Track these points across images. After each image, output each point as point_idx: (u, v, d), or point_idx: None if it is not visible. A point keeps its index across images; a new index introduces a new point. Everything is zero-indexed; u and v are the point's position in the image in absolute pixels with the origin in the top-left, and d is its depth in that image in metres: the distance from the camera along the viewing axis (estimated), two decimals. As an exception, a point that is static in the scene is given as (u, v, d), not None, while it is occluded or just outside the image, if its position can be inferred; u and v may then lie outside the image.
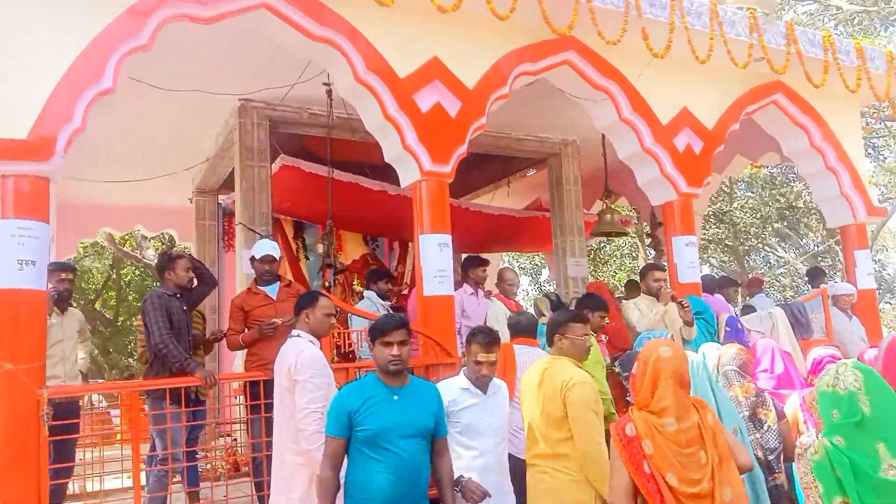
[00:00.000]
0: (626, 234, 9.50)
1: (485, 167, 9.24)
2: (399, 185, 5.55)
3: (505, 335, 4.38)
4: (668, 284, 5.84)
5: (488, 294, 6.38)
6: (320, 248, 6.63)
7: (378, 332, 3.11)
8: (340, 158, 7.28)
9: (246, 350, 5.03)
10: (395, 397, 3.06)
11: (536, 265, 23.62)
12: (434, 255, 5.06)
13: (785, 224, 19.90)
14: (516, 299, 6.42)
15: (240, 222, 6.79)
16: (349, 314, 6.05)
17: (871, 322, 7.27)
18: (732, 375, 3.64)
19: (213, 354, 6.83)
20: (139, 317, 4.98)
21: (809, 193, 19.07)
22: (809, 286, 8.34)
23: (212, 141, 7.85)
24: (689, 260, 6.30)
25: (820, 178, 7.58)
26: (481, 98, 5.39)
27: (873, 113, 10.12)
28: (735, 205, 19.49)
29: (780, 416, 3.56)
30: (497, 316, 5.63)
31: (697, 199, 6.64)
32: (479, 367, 3.42)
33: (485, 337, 3.44)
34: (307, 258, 9.37)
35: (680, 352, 2.67)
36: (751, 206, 19.16)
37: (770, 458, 3.42)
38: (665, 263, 6.44)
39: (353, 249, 9.19)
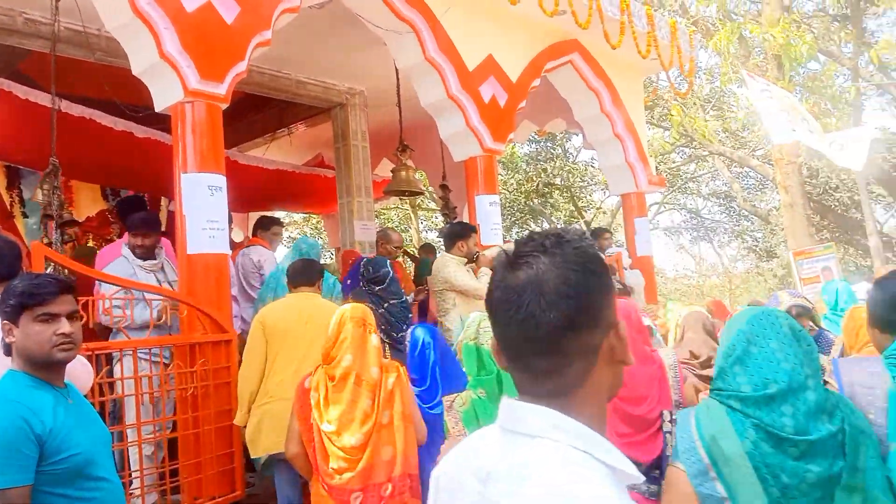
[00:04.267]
0: (421, 193, 8.89)
1: (260, 113, 8.01)
2: (159, 131, 4.24)
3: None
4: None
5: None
6: (40, 196, 4.99)
7: (29, 300, 1.98)
8: (84, 93, 5.65)
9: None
10: (70, 401, 2.03)
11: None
12: (203, 202, 3.87)
13: (540, 201, 20.99)
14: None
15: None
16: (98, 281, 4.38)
17: (649, 287, 7.45)
18: None
19: None
20: None
21: (567, 172, 20.49)
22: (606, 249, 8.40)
23: None
24: (493, 221, 5.82)
25: (607, 146, 7.58)
26: (267, 4, 4.28)
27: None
28: (499, 180, 20.10)
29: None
30: None
31: (501, 155, 6.17)
32: None
33: None
34: (26, 215, 7.44)
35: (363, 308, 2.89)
36: (516, 180, 19.82)
37: None
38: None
39: (87, 205, 7.46)
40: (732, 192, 19.30)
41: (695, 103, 15.33)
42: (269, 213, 7.70)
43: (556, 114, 8.19)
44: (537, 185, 19.80)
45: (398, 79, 6.62)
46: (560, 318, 0.93)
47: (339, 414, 2.65)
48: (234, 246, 5.61)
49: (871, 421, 1.77)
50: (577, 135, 8.48)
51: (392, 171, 7.14)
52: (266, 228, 5.91)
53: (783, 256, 16.78)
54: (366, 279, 5.02)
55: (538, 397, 0.96)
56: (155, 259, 4.39)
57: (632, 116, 7.53)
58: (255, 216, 7.39)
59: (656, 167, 17.09)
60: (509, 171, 19.80)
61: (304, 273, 3.99)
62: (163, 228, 5.14)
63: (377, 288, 4.98)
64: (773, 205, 18.30)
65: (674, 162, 20.21)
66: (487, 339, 2.26)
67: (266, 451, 3.53)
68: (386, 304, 4.91)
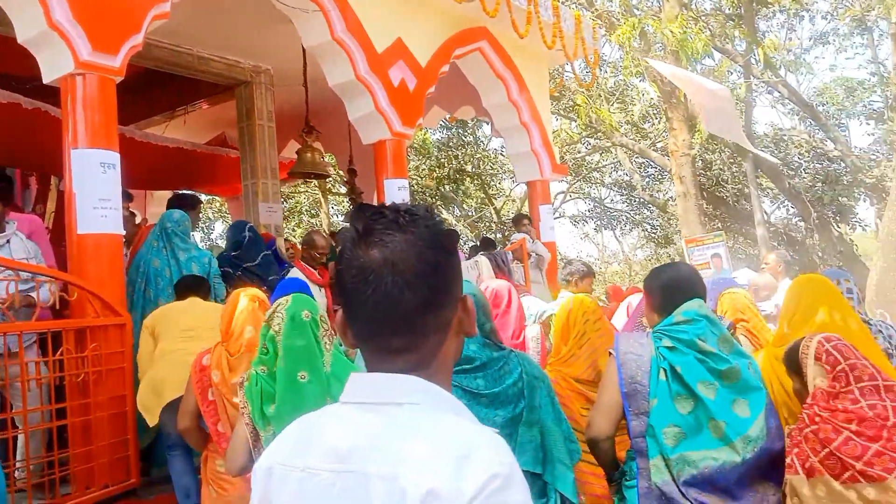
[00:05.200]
0: (328, 176, 8.76)
1: (159, 89, 7.67)
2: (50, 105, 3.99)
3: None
4: None
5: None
6: None
7: None
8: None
9: None
10: None
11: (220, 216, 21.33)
12: (95, 179, 3.69)
13: (451, 188, 21.14)
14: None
15: None
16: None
17: (551, 272, 7.67)
18: None
19: None
20: None
21: (478, 159, 20.71)
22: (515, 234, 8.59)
23: None
24: (401, 205, 5.81)
25: (514, 134, 7.73)
26: (166, -24, 4.11)
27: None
28: (411, 165, 20.10)
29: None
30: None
31: (410, 140, 6.19)
32: None
33: None
34: None
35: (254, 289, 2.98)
36: (428, 166, 19.87)
37: None
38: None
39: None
40: (633, 182, 20.07)
41: (600, 95, 15.84)
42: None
43: (465, 101, 8.26)
44: (449, 171, 19.92)
45: (305, 58, 6.51)
46: (419, 298, 0.93)
47: None
48: (140, 228, 5.32)
49: (638, 381, 2.17)
50: (487, 123, 8.60)
51: (297, 153, 7.02)
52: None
53: (679, 244, 17.68)
54: (228, 246, 5.34)
55: (395, 372, 0.96)
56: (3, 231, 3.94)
57: (538, 105, 7.71)
58: (162, 196, 7.09)
59: (562, 157, 17.60)
60: (421, 157, 19.82)
61: (192, 288, 4.04)
62: (33, 204, 4.83)
63: (233, 254, 5.25)
64: (671, 195, 19.19)
65: (579, 152, 20.79)
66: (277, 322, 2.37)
67: (168, 399, 3.47)
68: (241, 269, 5.08)
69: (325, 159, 8.89)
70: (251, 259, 5.40)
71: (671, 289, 2.35)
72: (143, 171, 6.72)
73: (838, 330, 2.40)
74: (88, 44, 3.68)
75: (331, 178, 15.45)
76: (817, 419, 2.00)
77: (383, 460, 0.88)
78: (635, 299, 4.55)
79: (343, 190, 17.90)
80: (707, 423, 2.11)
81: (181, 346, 3.56)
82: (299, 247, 6.23)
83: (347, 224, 5.37)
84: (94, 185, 3.68)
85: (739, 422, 2.11)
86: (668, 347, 2.21)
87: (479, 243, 8.47)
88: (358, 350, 1.05)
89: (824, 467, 1.92)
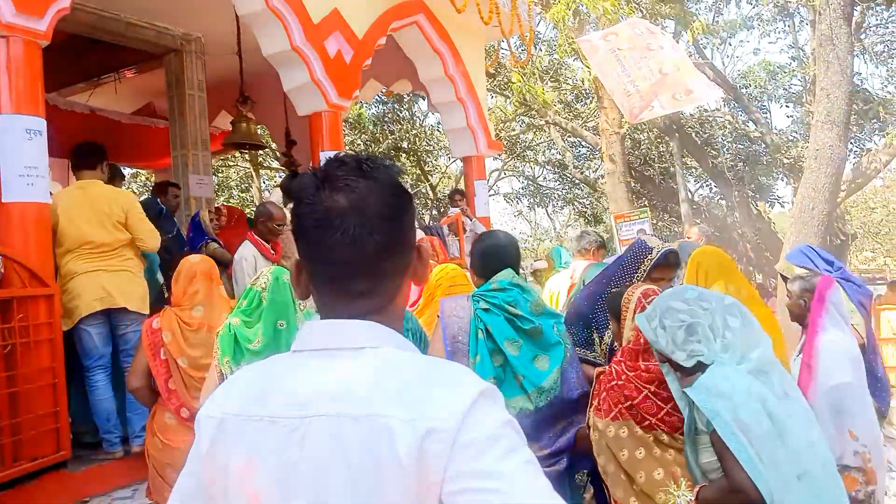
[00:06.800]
0: (262, 147, 8.61)
1: (83, 56, 7.36)
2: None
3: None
4: None
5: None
6: None
7: None
8: None
9: None
10: None
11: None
12: (20, 146, 3.57)
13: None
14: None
15: None
16: None
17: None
18: None
19: None
20: None
21: (414, 135, 20.67)
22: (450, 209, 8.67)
23: None
24: (337, 177, 5.80)
25: (450, 109, 7.78)
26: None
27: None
28: (346, 140, 19.87)
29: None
30: (241, 264, 4.59)
31: (346, 112, 6.16)
32: None
33: None
34: None
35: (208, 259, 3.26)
36: (363, 141, 19.71)
37: None
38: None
39: None
40: (566, 160, 20.46)
41: (534, 73, 16.02)
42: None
43: (402, 74, 8.24)
44: (384, 147, 19.83)
45: (238, 26, 6.37)
46: (383, 241, 0.96)
47: (197, 356, 2.99)
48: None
49: (460, 340, 2.43)
50: (424, 98, 8.63)
51: (232, 123, 6.89)
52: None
53: (608, 222, 18.17)
54: None
55: (353, 317, 0.97)
56: None
57: (474, 81, 7.77)
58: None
59: (497, 134, 17.77)
60: (356, 132, 19.65)
61: (87, 157, 4.34)
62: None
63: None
64: (601, 173, 19.66)
65: (513, 130, 21.02)
66: (263, 281, 2.66)
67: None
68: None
69: (260, 130, 8.75)
70: (168, 231, 5.51)
71: (487, 256, 2.59)
72: (65, 141, 6.47)
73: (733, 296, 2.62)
74: (12, 5, 3.53)
75: (262, 152, 15.15)
76: (623, 377, 2.20)
77: (357, 402, 0.88)
78: (580, 265, 4.76)
79: (275, 164, 17.59)
80: (512, 375, 2.39)
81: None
82: (245, 214, 6.19)
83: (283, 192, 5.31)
84: (20, 152, 3.56)
85: (536, 374, 2.40)
86: (483, 309, 2.45)
87: (448, 197, 8.79)
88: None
89: (628, 415, 2.15)
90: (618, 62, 7.83)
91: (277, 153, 11.60)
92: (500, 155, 21.57)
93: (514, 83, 11.70)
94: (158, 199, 6.11)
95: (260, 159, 17.47)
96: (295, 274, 1.02)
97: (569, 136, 19.59)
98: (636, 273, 2.92)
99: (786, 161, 15.91)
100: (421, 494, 0.84)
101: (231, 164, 18.66)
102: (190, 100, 7.24)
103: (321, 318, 0.99)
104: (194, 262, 3.12)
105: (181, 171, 7.25)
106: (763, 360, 1.94)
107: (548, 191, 25.36)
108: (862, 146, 17.12)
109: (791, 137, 17.45)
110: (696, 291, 2.08)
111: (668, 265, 2.93)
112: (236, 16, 6.00)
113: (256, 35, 5.60)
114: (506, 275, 2.51)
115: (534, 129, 21.11)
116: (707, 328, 1.96)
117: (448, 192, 11.02)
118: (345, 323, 0.96)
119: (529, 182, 25.56)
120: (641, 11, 13.59)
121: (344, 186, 0.96)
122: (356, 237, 0.94)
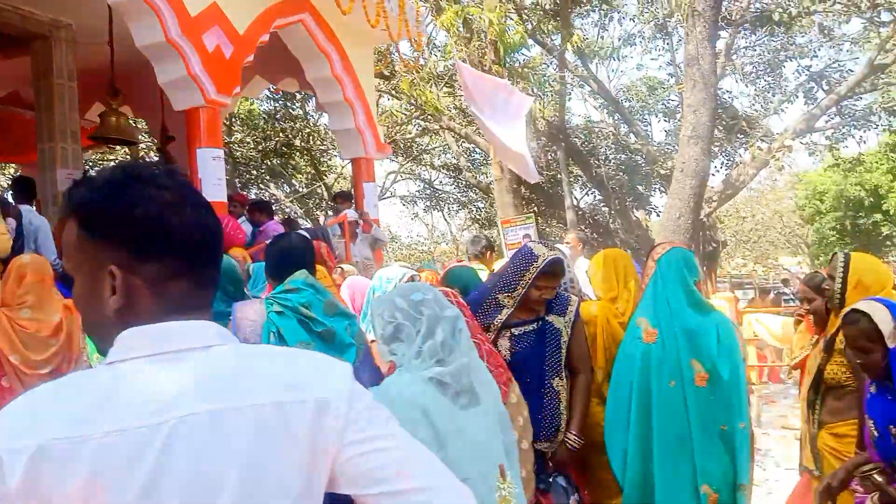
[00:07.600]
0: (135, 142, 8.26)
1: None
2: None
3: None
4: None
5: None
6: None
7: None
8: None
9: None
10: None
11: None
12: None
13: (280, 162, 20.63)
14: None
15: None
16: None
17: (381, 254, 7.85)
18: None
19: None
20: None
21: (307, 134, 20.37)
22: (335, 211, 8.63)
23: None
24: (215, 175, 5.69)
25: (338, 109, 7.77)
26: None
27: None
28: (234, 138, 19.32)
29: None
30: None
31: (226, 108, 6.04)
32: None
33: None
34: None
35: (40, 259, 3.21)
36: (252, 138, 19.24)
37: None
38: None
39: None
40: (460, 165, 20.78)
41: (429, 78, 16.19)
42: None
43: (288, 73, 8.16)
44: (276, 144, 19.40)
45: (111, 15, 6.10)
46: (218, 227, 1.00)
47: (30, 354, 2.90)
48: None
49: (253, 343, 2.50)
50: (313, 96, 8.57)
51: (100, 116, 6.58)
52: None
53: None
54: None
55: (198, 309, 0.94)
56: None
57: (362, 83, 7.79)
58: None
59: (392, 137, 17.81)
60: (247, 128, 19.13)
61: None
62: None
63: None
64: (493, 179, 20.11)
65: (409, 133, 21.13)
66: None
67: None
68: None
69: (135, 125, 8.40)
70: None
71: (281, 257, 2.65)
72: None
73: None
74: None
75: (144, 146, 14.50)
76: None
77: (234, 394, 0.89)
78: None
79: (157, 159, 16.86)
80: None
81: None
82: None
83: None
84: None
85: None
86: (277, 312, 2.50)
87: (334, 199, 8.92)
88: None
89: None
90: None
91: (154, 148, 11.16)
92: (395, 158, 21.65)
93: (403, 89, 11.77)
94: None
95: (142, 154, 16.68)
96: (123, 286, 0.97)
97: (463, 142, 19.93)
98: (521, 281, 2.87)
99: (662, 172, 16.88)
100: (312, 466, 0.92)
101: (111, 158, 17.71)
102: (59, 89, 6.84)
103: (166, 311, 0.93)
104: (24, 263, 3.02)
105: (48, 166, 6.84)
106: (456, 374, 1.93)
107: (444, 194, 25.67)
108: (732, 159, 18.41)
109: (667, 150, 18.53)
110: (423, 295, 2.00)
111: (553, 274, 2.88)
112: (108, 4, 5.76)
113: (129, 25, 5.41)
114: (299, 275, 2.54)
115: (430, 133, 21.32)
116: (413, 333, 1.95)
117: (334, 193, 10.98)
118: (188, 325, 0.93)
119: (426, 185, 25.78)
120: (531, 22, 14.04)
121: (163, 183, 0.95)
122: (202, 220, 0.98)
